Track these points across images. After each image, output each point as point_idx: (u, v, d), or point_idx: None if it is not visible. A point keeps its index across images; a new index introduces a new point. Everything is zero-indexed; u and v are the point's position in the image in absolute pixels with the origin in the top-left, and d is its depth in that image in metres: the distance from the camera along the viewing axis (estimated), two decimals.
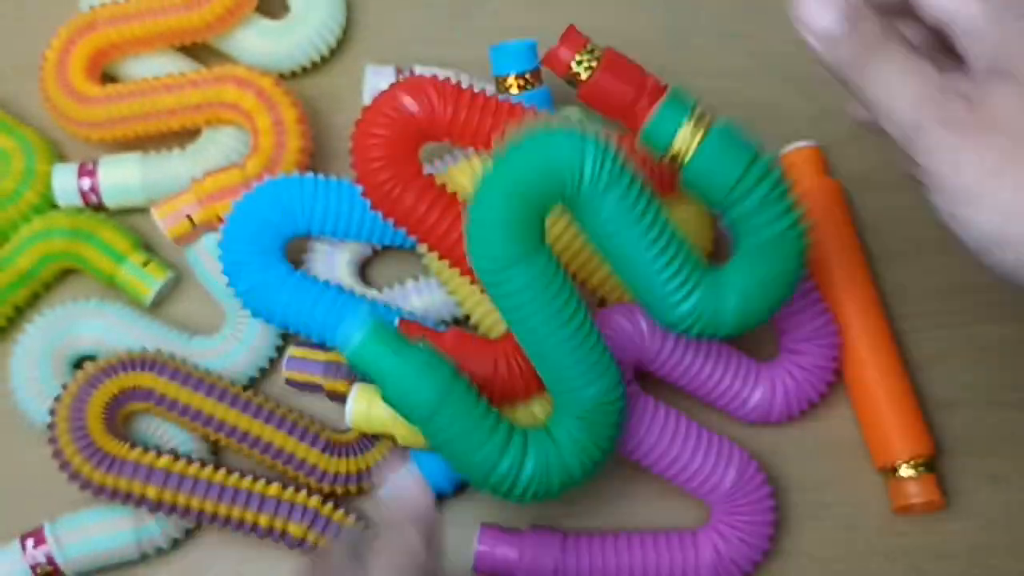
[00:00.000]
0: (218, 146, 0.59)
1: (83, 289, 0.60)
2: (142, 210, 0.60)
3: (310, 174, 0.55)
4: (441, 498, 0.55)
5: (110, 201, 0.59)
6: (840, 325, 0.57)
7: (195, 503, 0.52)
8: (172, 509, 0.52)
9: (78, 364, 0.57)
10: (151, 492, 0.52)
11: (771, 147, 0.62)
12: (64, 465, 0.52)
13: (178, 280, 0.60)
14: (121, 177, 0.59)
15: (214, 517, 0.52)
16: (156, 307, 0.59)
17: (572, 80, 0.54)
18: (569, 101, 0.59)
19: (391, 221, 0.51)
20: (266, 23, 0.62)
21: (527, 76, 0.57)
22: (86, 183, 0.59)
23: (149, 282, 0.58)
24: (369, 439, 0.55)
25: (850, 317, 0.57)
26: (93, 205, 0.59)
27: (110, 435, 0.52)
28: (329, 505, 0.53)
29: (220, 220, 0.56)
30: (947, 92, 0.34)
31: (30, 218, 0.58)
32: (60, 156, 0.62)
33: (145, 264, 0.58)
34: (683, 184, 0.47)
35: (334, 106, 0.63)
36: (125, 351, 0.54)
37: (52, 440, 0.52)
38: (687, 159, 0.46)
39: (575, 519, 0.56)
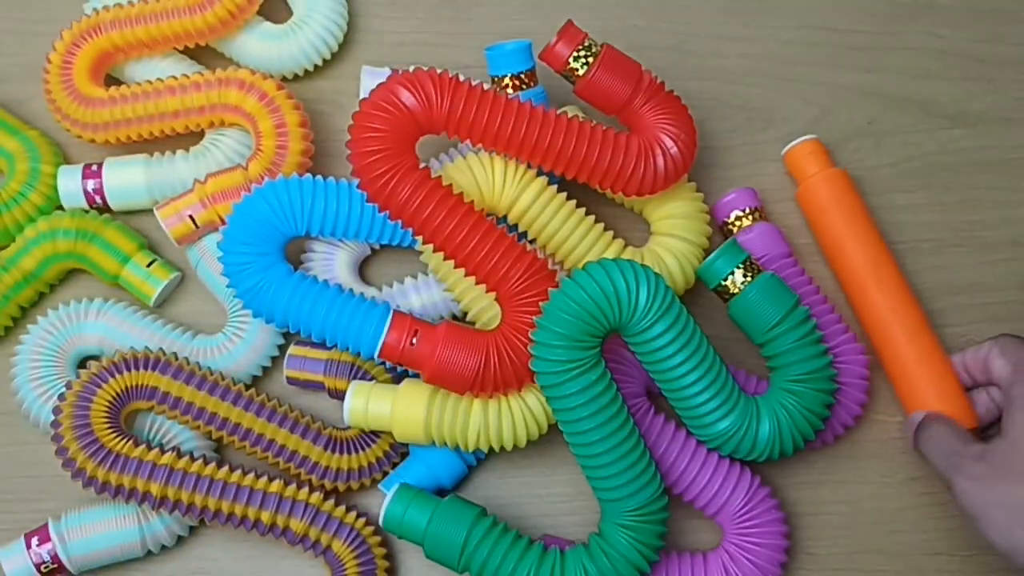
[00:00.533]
0: (221, 148, 0.60)
1: (87, 289, 0.60)
2: (146, 211, 0.60)
3: (309, 175, 0.55)
4: (441, 492, 0.56)
5: (115, 203, 0.60)
6: (870, 309, 0.57)
7: (198, 500, 0.52)
8: (175, 506, 0.53)
9: (82, 364, 0.58)
10: (154, 489, 0.52)
11: (768, 148, 0.63)
12: (68, 463, 0.52)
13: (182, 280, 0.61)
14: (125, 179, 0.59)
15: (216, 514, 0.53)
16: (159, 307, 0.60)
17: (569, 76, 0.55)
18: (566, 100, 0.59)
19: (387, 214, 0.52)
20: (268, 27, 0.62)
21: (523, 76, 0.57)
22: (91, 185, 0.59)
23: (153, 282, 0.58)
24: (370, 436, 0.56)
25: (877, 299, 0.57)
26: (98, 207, 0.60)
27: (113, 433, 0.53)
28: (330, 502, 0.54)
29: (222, 221, 0.57)
30: (965, 455, 0.51)
31: (35, 219, 0.59)
32: (65, 158, 0.62)
33: (149, 265, 0.59)
34: (731, 316, 0.54)
35: (335, 109, 0.63)
36: (128, 350, 0.55)
37: (56, 438, 0.53)
38: (734, 296, 0.54)
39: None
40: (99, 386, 0.53)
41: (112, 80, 0.63)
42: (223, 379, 0.55)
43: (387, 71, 0.60)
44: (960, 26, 0.65)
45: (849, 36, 0.65)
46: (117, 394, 0.54)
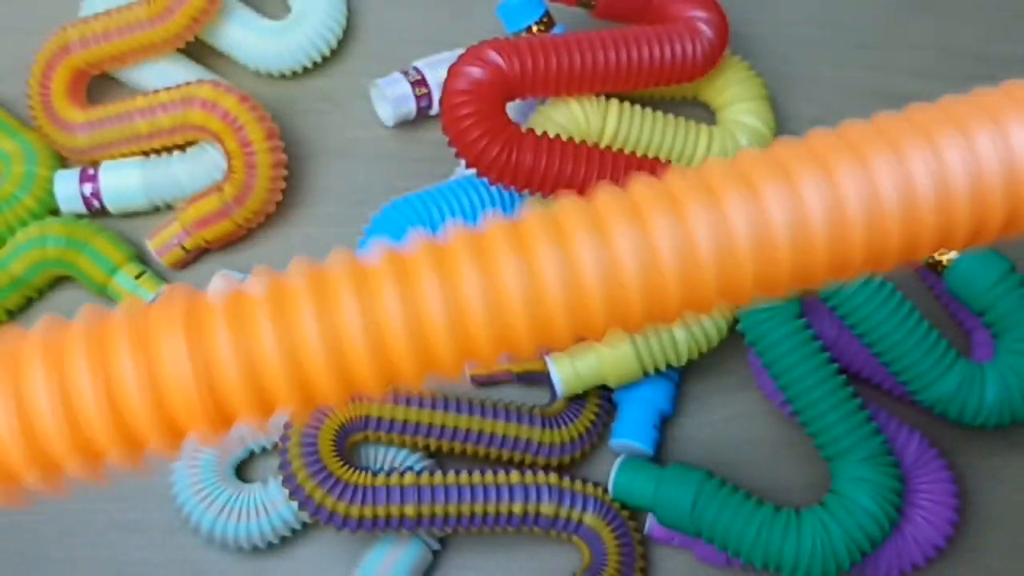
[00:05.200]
0: (217, 147, 0.59)
1: (77, 298, 0.59)
2: (146, 214, 0.60)
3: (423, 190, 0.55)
4: (664, 419, 0.56)
5: (112, 205, 0.59)
6: None
7: (452, 510, 0.52)
8: (432, 522, 0.52)
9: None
10: (409, 511, 0.51)
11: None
12: (316, 509, 0.51)
13: None
14: (122, 182, 0.58)
15: (472, 519, 0.52)
16: None
17: (586, 4, 0.56)
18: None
19: (510, 186, 0.51)
20: (266, 23, 0.61)
21: (542, 22, 0.57)
22: (88, 188, 0.58)
23: (140, 295, 0.57)
24: (575, 404, 0.56)
25: None
26: (96, 209, 0.59)
27: (349, 468, 0.52)
28: (567, 479, 0.53)
29: (208, 244, 0.57)
30: None
31: (28, 223, 0.58)
32: (61, 160, 0.61)
33: (138, 276, 0.58)
34: (948, 289, 0.54)
35: (334, 107, 0.62)
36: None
37: (292, 486, 0.52)
38: (947, 268, 0.54)
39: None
40: (318, 428, 0.52)
41: (111, 80, 0.61)
42: (431, 392, 0.55)
43: (397, 75, 0.59)
44: (964, 24, 0.65)
45: (853, 34, 0.64)
46: (336, 433, 0.52)
